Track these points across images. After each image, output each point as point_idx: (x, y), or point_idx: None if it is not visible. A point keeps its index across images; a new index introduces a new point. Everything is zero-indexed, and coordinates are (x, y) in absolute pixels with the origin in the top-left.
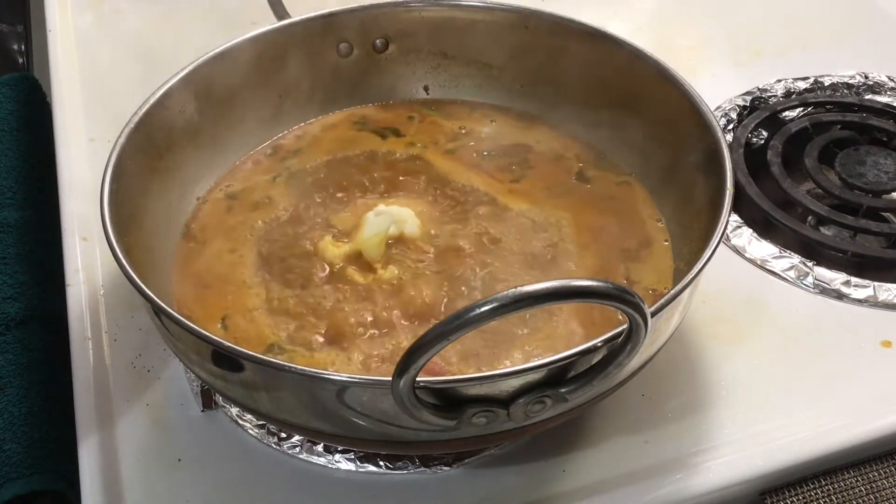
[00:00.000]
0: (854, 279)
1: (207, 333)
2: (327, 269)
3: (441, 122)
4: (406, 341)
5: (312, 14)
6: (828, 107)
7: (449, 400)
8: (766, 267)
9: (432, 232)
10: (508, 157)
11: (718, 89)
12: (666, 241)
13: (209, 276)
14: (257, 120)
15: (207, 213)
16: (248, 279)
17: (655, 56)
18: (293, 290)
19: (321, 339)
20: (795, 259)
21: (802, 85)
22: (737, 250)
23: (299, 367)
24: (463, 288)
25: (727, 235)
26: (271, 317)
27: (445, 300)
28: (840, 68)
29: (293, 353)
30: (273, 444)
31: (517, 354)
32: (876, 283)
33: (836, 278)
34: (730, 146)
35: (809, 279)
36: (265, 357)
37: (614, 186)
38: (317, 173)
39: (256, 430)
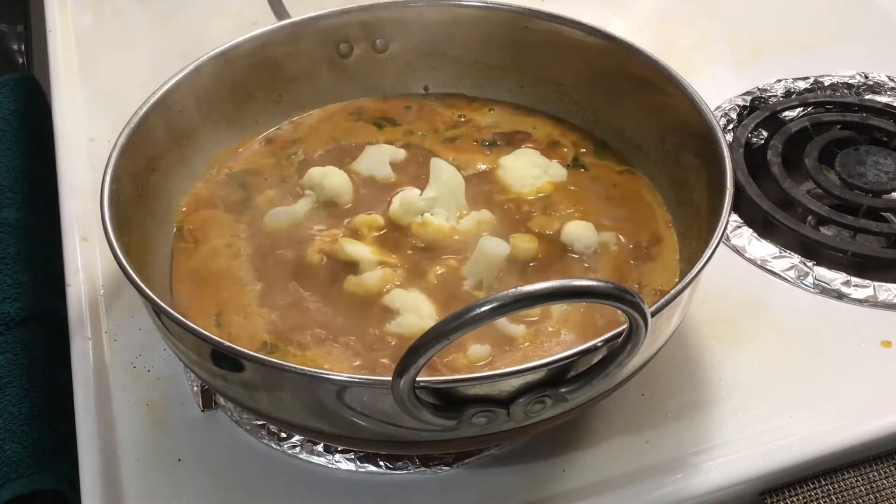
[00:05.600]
0: (854, 279)
1: (207, 333)
2: (323, 263)
3: (440, 111)
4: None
5: (312, 14)
6: (828, 107)
7: (449, 400)
8: (766, 267)
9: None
10: (508, 146)
11: (718, 89)
12: (674, 237)
13: (206, 273)
14: (256, 119)
15: (206, 210)
16: (243, 276)
17: (655, 56)
18: (287, 286)
19: (315, 337)
20: (795, 259)
21: (802, 85)
22: (737, 250)
23: (299, 366)
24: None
25: (727, 235)
26: (266, 314)
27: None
28: (840, 68)
29: (285, 351)
30: (273, 444)
31: None
32: (876, 283)
33: (836, 278)
34: (730, 146)
35: (809, 279)
36: (265, 357)
37: (616, 175)
38: (314, 164)
39: (256, 430)
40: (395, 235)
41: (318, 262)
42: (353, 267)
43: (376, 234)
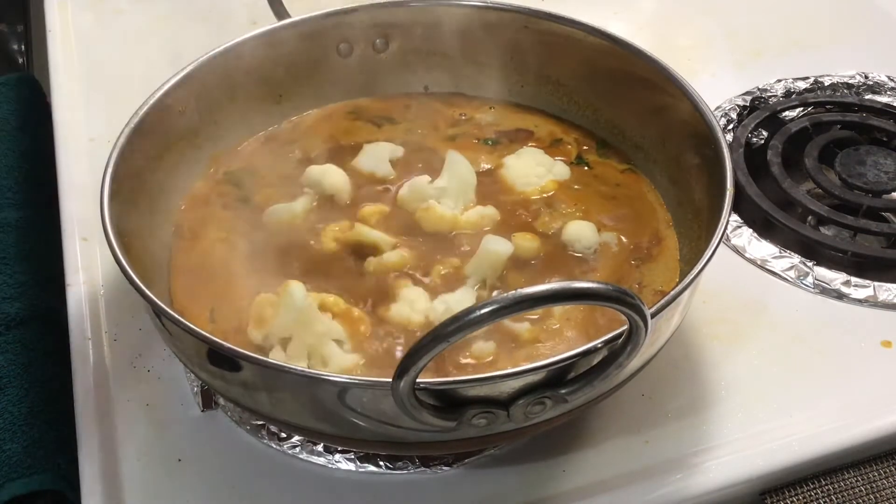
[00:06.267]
0: (854, 279)
1: (207, 335)
2: (336, 250)
3: (441, 109)
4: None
5: (312, 14)
6: (828, 107)
7: (449, 401)
8: (766, 267)
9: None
10: (511, 143)
11: (718, 89)
12: (674, 237)
13: (203, 271)
14: (255, 118)
15: (205, 208)
16: (240, 272)
17: (655, 56)
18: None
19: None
20: (795, 259)
21: (802, 85)
22: (737, 250)
23: (299, 367)
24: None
25: (727, 235)
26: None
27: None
28: (840, 68)
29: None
30: (273, 444)
31: None
32: (876, 283)
33: (836, 278)
34: (730, 146)
35: (809, 279)
36: (265, 358)
37: (618, 174)
38: (312, 163)
39: (256, 430)
40: (399, 225)
41: (334, 249)
42: (371, 250)
43: (381, 219)
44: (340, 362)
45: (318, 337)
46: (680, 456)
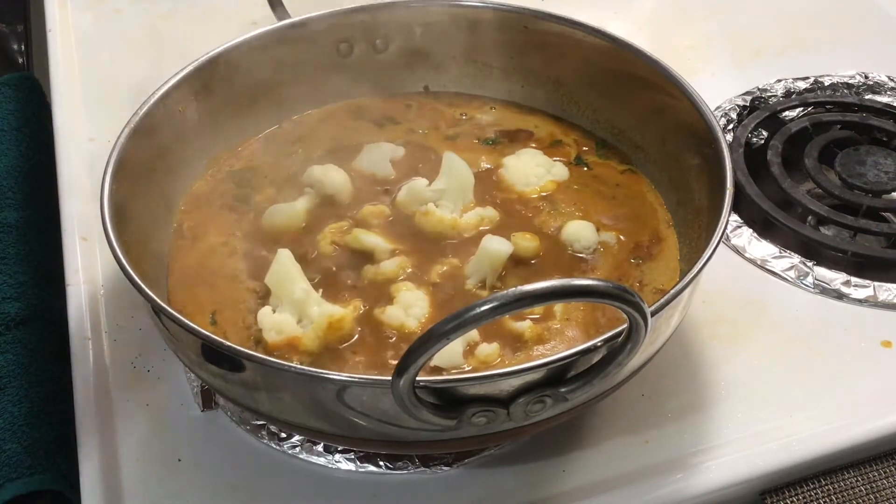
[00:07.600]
0: (854, 279)
1: (207, 334)
2: (335, 253)
3: (442, 109)
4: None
5: (312, 14)
6: (828, 107)
7: (449, 399)
8: (766, 267)
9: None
10: (511, 143)
11: (718, 89)
12: (674, 237)
13: (202, 271)
14: (256, 118)
15: (205, 209)
16: (240, 272)
17: (655, 56)
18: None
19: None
20: (795, 259)
21: (802, 85)
22: (737, 250)
23: (299, 366)
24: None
25: (727, 235)
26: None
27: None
28: (840, 68)
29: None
30: (273, 444)
31: None
32: (876, 283)
33: (836, 278)
34: (730, 146)
35: (809, 279)
36: (265, 357)
37: (618, 174)
38: (313, 163)
39: (256, 430)
40: (399, 228)
41: (331, 252)
42: (368, 257)
43: (382, 221)
44: (326, 311)
45: (303, 293)
46: (680, 456)
